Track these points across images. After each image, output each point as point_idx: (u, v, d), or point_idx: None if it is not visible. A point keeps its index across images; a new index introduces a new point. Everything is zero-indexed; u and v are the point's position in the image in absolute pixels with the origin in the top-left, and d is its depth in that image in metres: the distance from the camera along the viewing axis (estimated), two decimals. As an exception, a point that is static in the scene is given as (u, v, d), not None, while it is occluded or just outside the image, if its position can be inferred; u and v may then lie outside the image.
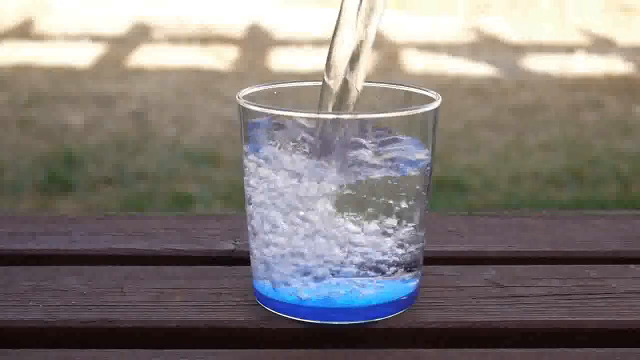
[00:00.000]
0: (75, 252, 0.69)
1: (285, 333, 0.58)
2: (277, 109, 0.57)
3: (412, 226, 0.58)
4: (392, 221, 0.57)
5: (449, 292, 0.62)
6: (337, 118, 0.57)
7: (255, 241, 0.59)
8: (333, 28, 0.58)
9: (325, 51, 0.58)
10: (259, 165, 0.57)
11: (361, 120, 0.57)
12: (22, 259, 0.68)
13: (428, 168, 0.58)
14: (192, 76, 3.58)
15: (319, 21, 4.58)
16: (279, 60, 3.92)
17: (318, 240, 0.56)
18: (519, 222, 0.75)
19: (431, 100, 0.59)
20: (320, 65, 0.60)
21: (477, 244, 0.71)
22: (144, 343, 0.58)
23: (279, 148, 0.57)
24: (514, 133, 2.88)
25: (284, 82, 0.63)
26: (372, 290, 0.58)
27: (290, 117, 0.57)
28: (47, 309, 0.60)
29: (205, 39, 4.26)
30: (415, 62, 3.89)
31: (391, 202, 0.57)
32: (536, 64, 3.90)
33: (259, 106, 0.57)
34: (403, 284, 0.59)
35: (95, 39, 4.23)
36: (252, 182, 0.58)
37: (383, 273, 0.57)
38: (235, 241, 0.70)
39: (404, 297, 0.59)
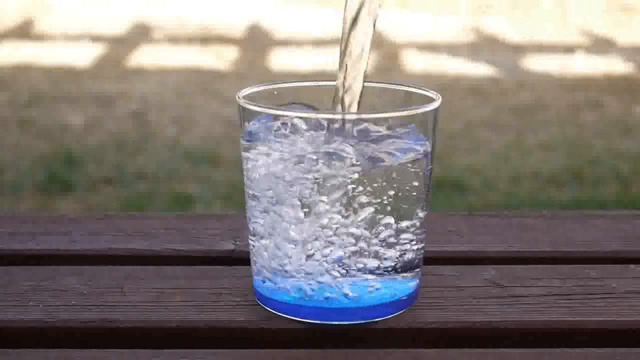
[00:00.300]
0: (75, 252, 0.69)
1: (285, 333, 0.58)
2: (277, 109, 0.57)
3: (412, 226, 0.58)
4: (392, 221, 0.57)
5: (449, 292, 0.62)
6: (337, 118, 0.57)
7: (256, 241, 0.59)
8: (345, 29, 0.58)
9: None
10: (259, 163, 0.57)
11: (361, 120, 0.57)
12: (22, 259, 0.68)
13: (428, 168, 0.58)
14: (192, 76, 3.58)
15: (319, 21, 4.59)
16: (279, 60, 3.92)
17: (318, 240, 0.56)
18: (519, 222, 0.75)
19: (431, 100, 0.59)
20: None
21: (477, 244, 0.71)
22: (144, 343, 0.58)
23: (279, 147, 0.57)
24: (514, 133, 2.88)
25: (284, 82, 0.63)
26: (372, 290, 0.58)
27: (290, 117, 0.57)
28: (47, 309, 0.60)
29: (205, 39, 4.26)
30: (415, 62, 3.89)
31: (391, 202, 0.57)
32: (536, 64, 3.90)
33: (259, 106, 0.57)
34: (403, 284, 0.59)
35: (95, 39, 4.23)
36: (252, 181, 0.58)
37: (383, 273, 0.58)
38: (235, 241, 0.70)
39: (404, 297, 0.59)
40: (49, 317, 0.59)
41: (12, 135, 2.79)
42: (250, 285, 0.62)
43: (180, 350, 0.56)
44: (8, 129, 2.85)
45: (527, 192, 2.38)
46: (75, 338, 0.58)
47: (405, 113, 0.58)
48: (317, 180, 0.56)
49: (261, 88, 0.62)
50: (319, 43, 4.02)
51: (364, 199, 0.56)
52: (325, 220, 0.56)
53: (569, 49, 4.15)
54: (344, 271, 0.57)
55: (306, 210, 0.56)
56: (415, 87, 0.62)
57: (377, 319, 0.58)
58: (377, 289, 0.58)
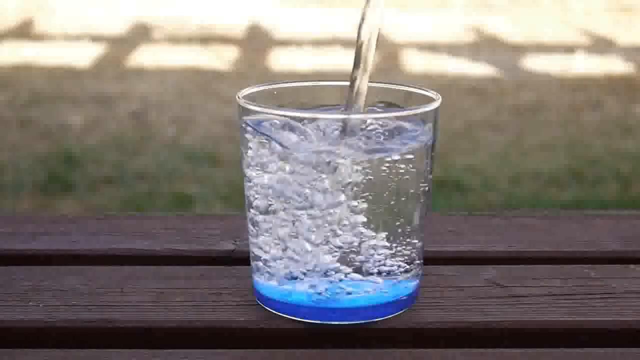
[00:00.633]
0: (75, 252, 0.69)
1: (285, 333, 0.58)
2: (276, 109, 0.57)
3: (412, 226, 0.58)
4: (392, 221, 0.57)
5: (449, 292, 0.62)
6: (337, 118, 0.57)
7: (256, 240, 0.59)
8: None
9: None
10: (259, 163, 0.57)
11: (362, 120, 0.57)
12: (22, 259, 0.68)
13: (428, 168, 0.58)
14: (192, 76, 3.58)
15: (318, 21, 4.59)
16: (279, 60, 3.92)
17: (318, 240, 0.56)
18: (519, 222, 0.75)
19: (431, 100, 0.59)
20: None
21: (477, 244, 0.71)
22: (144, 343, 0.58)
23: (278, 146, 0.57)
24: (514, 133, 2.88)
25: (284, 82, 0.63)
26: (372, 290, 0.58)
27: (290, 117, 0.57)
28: (47, 309, 0.60)
29: (205, 39, 4.26)
30: (415, 62, 3.89)
31: (391, 202, 0.57)
32: (536, 63, 3.90)
33: (259, 106, 0.57)
34: (403, 284, 0.59)
35: (95, 39, 4.23)
36: (252, 181, 0.58)
37: (383, 273, 0.57)
38: (235, 241, 0.70)
39: (404, 297, 0.59)
40: (49, 317, 0.59)
41: (12, 135, 2.79)
42: (250, 285, 0.62)
43: (180, 350, 0.56)
44: (8, 129, 2.85)
45: (527, 192, 2.38)
46: (75, 338, 0.58)
47: (405, 113, 0.58)
48: (318, 180, 0.56)
49: (261, 88, 0.62)
50: (318, 43, 4.03)
51: (363, 199, 0.56)
52: (325, 220, 0.56)
53: (569, 49, 4.15)
54: (344, 271, 0.57)
55: (306, 210, 0.56)
56: (415, 87, 0.62)
57: (377, 319, 0.58)
58: (377, 289, 0.58)
